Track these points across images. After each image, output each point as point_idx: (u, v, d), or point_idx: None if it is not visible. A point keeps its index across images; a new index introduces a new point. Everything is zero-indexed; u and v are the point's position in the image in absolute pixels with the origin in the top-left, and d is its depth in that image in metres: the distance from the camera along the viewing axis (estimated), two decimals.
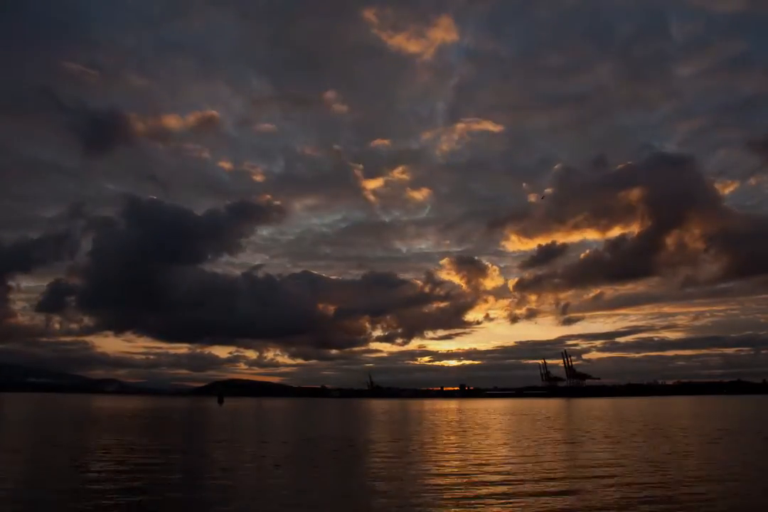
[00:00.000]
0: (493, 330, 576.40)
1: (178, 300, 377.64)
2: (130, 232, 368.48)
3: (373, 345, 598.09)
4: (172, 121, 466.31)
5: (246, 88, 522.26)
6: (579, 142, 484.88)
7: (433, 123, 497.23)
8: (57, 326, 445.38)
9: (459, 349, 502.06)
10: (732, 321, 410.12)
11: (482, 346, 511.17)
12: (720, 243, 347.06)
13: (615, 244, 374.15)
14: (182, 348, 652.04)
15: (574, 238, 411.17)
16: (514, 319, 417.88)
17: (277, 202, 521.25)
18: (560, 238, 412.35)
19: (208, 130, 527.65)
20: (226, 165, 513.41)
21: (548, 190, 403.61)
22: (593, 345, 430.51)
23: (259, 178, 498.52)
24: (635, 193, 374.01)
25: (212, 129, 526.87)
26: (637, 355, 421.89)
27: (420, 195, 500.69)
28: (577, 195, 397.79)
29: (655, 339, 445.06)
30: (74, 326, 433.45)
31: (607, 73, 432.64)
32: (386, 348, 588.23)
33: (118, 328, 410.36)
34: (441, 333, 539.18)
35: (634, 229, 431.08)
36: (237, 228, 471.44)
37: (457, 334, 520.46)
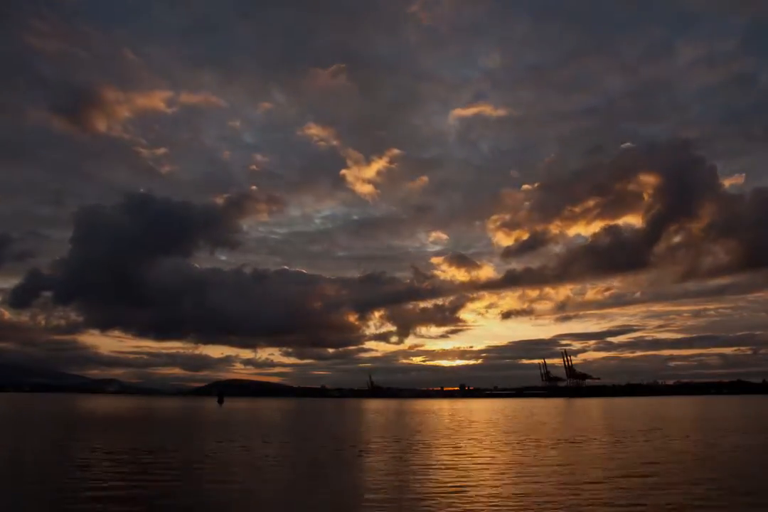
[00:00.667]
0: (487, 329, 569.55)
1: (171, 297, 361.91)
2: (117, 225, 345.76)
3: (372, 345, 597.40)
4: (162, 106, 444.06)
5: (242, 74, 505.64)
6: (582, 145, 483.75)
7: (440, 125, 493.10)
8: (45, 324, 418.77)
9: (455, 348, 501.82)
10: (728, 320, 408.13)
11: (478, 345, 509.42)
12: (717, 236, 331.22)
13: (606, 238, 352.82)
14: (178, 348, 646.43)
15: (568, 232, 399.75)
16: (508, 318, 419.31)
17: (273, 197, 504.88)
18: (553, 231, 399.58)
19: (201, 117, 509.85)
20: (222, 156, 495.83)
21: (536, 184, 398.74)
22: (587, 344, 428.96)
23: (256, 172, 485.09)
24: (631, 181, 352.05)
25: (205, 116, 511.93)
26: (631, 355, 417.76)
27: (416, 192, 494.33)
28: (569, 185, 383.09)
29: (650, 338, 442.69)
30: (61, 324, 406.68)
31: (616, 89, 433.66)
32: (384, 347, 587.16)
33: (108, 326, 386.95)
34: (438, 331, 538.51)
35: (627, 221, 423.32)
36: (231, 222, 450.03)
37: (453, 333, 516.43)
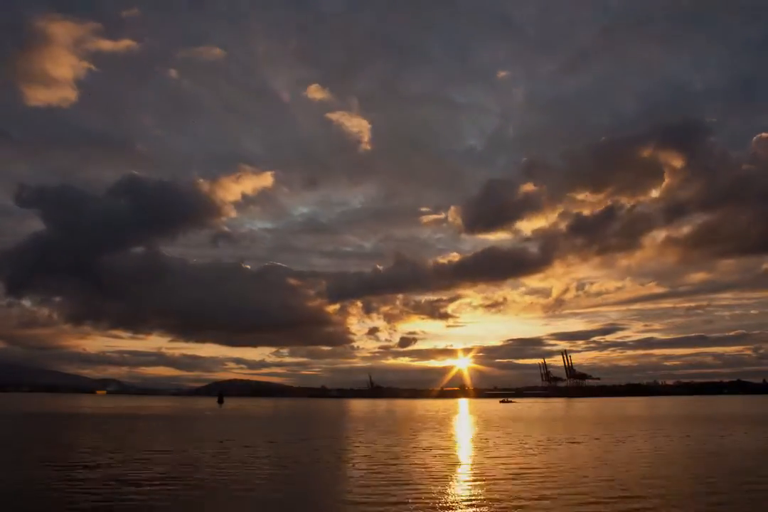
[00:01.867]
0: (481, 327, 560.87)
1: (159, 292, 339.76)
2: (94, 210, 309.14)
3: (368, 344, 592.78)
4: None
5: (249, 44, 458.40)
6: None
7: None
8: (22, 319, 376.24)
9: (449, 347, 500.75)
10: (725, 318, 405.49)
11: (470, 344, 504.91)
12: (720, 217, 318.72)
13: (599, 222, 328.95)
14: (168, 347, 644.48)
15: (558, 218, 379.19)
16: (499, 314, 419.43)
17: (267, 189, 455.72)
18: (544, 219, 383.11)
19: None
20: (213, 136, 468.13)
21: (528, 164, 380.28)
22: (576, 344, 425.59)
23: (248, 156, 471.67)
24: (623, 162, 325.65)
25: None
26: (626, 354, 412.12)
27: (412, 188, 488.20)
28: (558, 168, 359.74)
29: (647, 338, 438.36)
30: (42, 320, 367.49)
31: (630, 112, 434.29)
32: (380, 346, 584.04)
33: (91, 323, 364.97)
34: (433, 329, 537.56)
35: (621, 202, 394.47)
36: (218, 211, 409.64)
37: (447, 330, 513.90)
